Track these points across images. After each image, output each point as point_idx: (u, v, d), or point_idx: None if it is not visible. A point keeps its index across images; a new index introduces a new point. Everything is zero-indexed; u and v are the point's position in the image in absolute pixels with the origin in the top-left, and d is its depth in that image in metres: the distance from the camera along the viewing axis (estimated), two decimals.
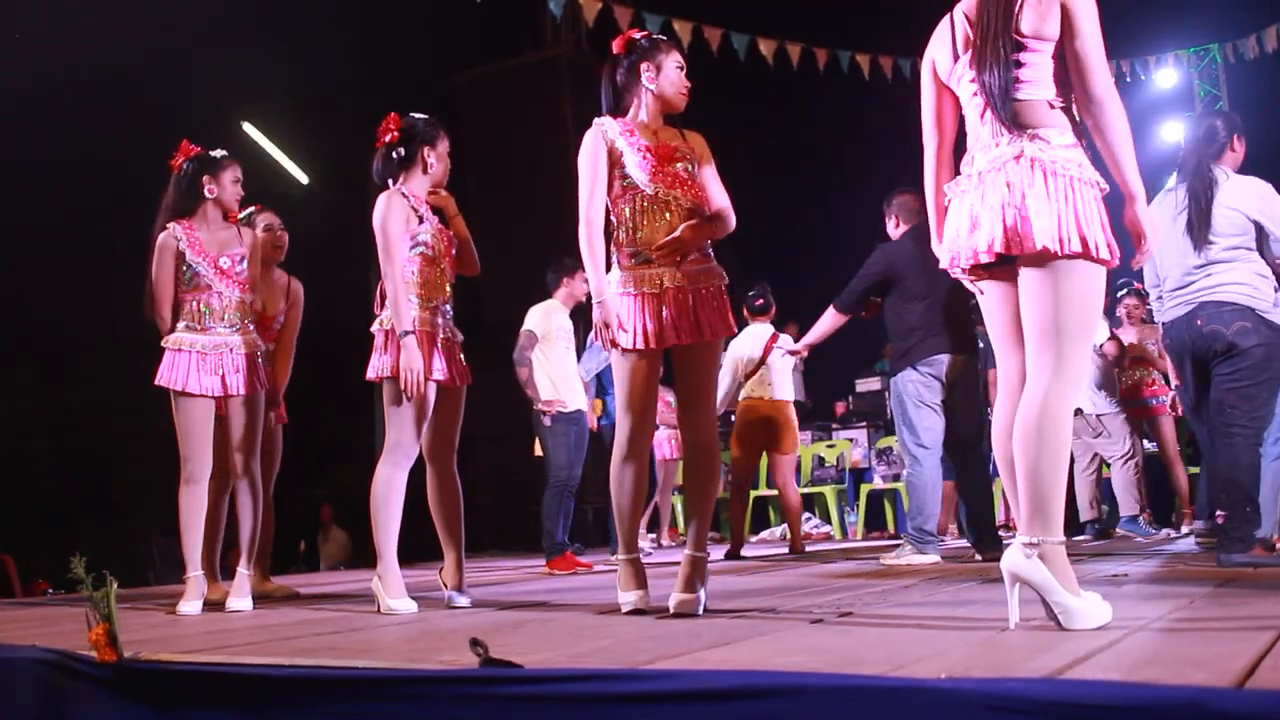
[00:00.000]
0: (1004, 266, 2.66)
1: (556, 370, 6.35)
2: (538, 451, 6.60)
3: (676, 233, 3.28)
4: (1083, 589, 2.48)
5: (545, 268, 6.69)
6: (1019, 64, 2.61)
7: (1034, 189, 2.54)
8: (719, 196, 3.42)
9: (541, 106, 11.19)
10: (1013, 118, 2.61)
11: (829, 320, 5.85)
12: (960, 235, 2.69)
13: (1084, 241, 2.49)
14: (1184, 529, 7.52)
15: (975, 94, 2.70)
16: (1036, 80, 2.61)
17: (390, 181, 3.89)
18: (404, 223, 3.81)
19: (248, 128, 9.79)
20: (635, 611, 3.22)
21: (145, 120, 7.33)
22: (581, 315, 7.09)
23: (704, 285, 3.30)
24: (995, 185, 2.61)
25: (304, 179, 10.33)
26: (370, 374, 3.82)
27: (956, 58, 2.76)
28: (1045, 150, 2.56)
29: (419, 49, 10.39)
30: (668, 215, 3.31)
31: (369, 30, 9.82)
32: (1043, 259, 2.54)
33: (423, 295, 3.82)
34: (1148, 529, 6.98)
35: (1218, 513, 4.26)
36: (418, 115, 3.99)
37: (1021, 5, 2.60)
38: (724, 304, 3.33)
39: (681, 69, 3.45)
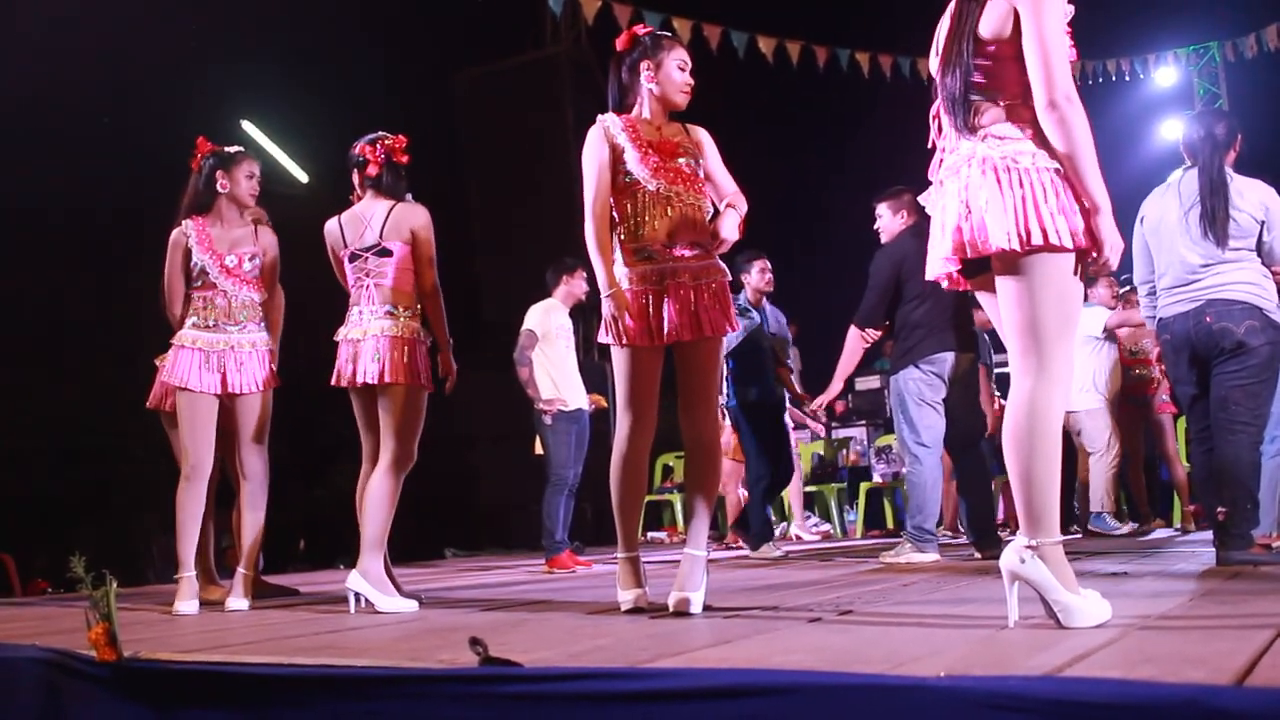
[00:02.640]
0: (986, 273, 2.65)
1: (557, 369, 6.35)
2: (538, 450, 6.59)
3: (722, 234, 3.33)
4: (1082, 587, 2.48)
5: (545, 266, 6.69)
6: (979, 67, 2.59)
7: (987, 189, 2.51)
8: (727, 184, 3.45)
9: (541, 105, 11.18)
10: (968, 120, 2.60)
11: (854, 342, 5.74)
12: (934, 245, 2.68)
13: (1044, 233, 2.45)
14: (1182, 527, 7.55)
15: (939, 95, 2.70)
16: (996, 83, 2.58)
17: (407, 196, 4.07)
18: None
19: (247, 126, 9.78)
20: (634, 610, 3.22)
21: (146, 119, 7.33)
22: (581, 314, 7.09)
23: (705, 281, 3.29)
24: (953, 191, 2.61)
25: (304, 178, 10.33)
26: (393, 377, 3.86)
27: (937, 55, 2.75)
28: (997, 147, 2.53)
29: (419, 47, 10.38)
30: (669, 211, 3.30)
31: (369, 28, 9.81)
32: (1009, 259, 2.51)
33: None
34: (1115, 524, 7.03)
35: (1218, 510, 4.26)
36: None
37: (983, 8, 2.59)
38: (726, 301, 3.32)
39: (684, 68, 3.43)
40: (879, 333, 5.71)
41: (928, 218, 2.78)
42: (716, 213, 3.41)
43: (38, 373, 8.32)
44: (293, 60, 8.98)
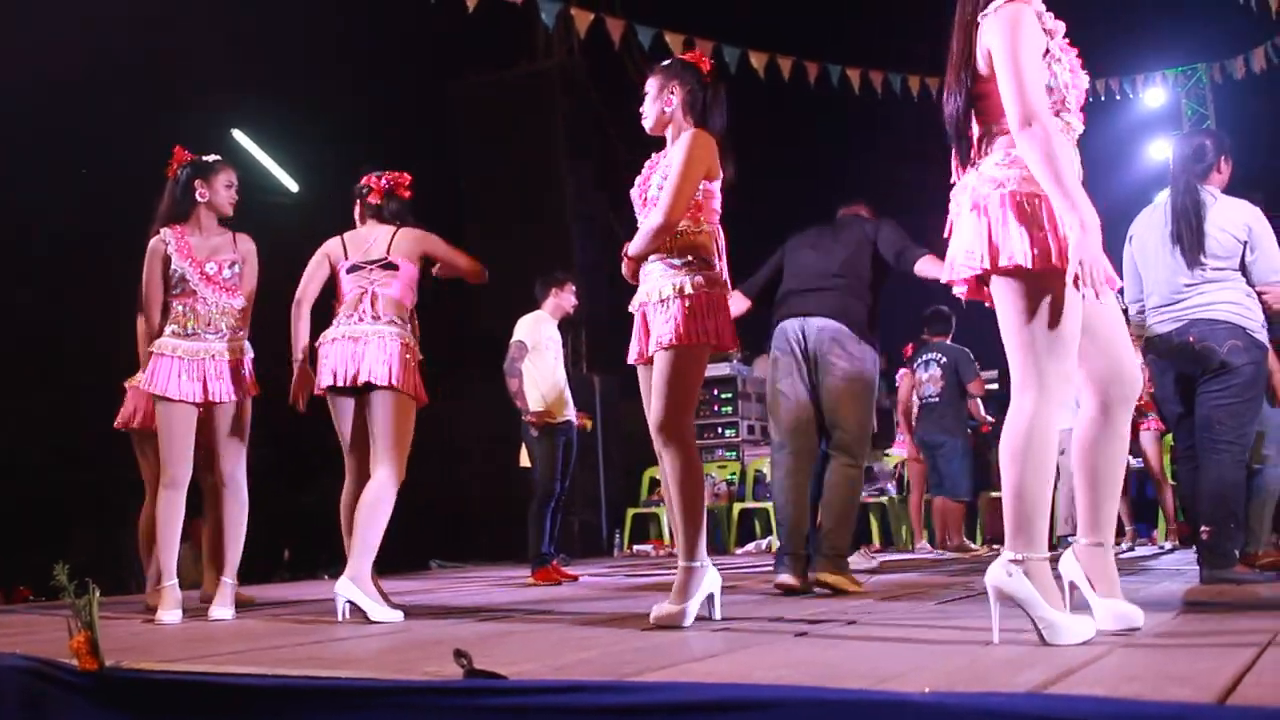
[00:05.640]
0: None
1: (546, 381, 6.34)
2: (524, 462, 6.58)
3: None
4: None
5: (536, 278, 6.70)
6: (976, 96, 2.68)
7: (963, 216, 2.63)
8: (664, 189, 3.33)
9: (533, 117, 11.19)
10: (965, 149, 2.70)
11: None
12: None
13: (995, 257, 2.53)
14: (1168, 544, 7.58)
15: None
16: (991, 113, 2.66)
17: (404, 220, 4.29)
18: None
19: (237, 135, 9.78)
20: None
21: (137, 124, 7.31)
22: (569, 327, 7.07)
23: (657, 300, 3.34)
24: (951, 219, 2.74)
25: (294, 187, 10.32)
26: (401, 384, 3.99)
27: None
28: (981, 173, 2.63)
29: (409, 59, 10.38)
30: None
31: (360, 38, 9.82)
32: (993, 281, 2.59)
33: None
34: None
35: (1202, 528, 4.28)
36: None
37: (977, 39, 2.67)
38: (669, 315, 3.28)
39: (644, 95, 3.54)
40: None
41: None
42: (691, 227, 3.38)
43: (22, 378, 8.28)
44: (283, 69, 8.98)
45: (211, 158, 4.37)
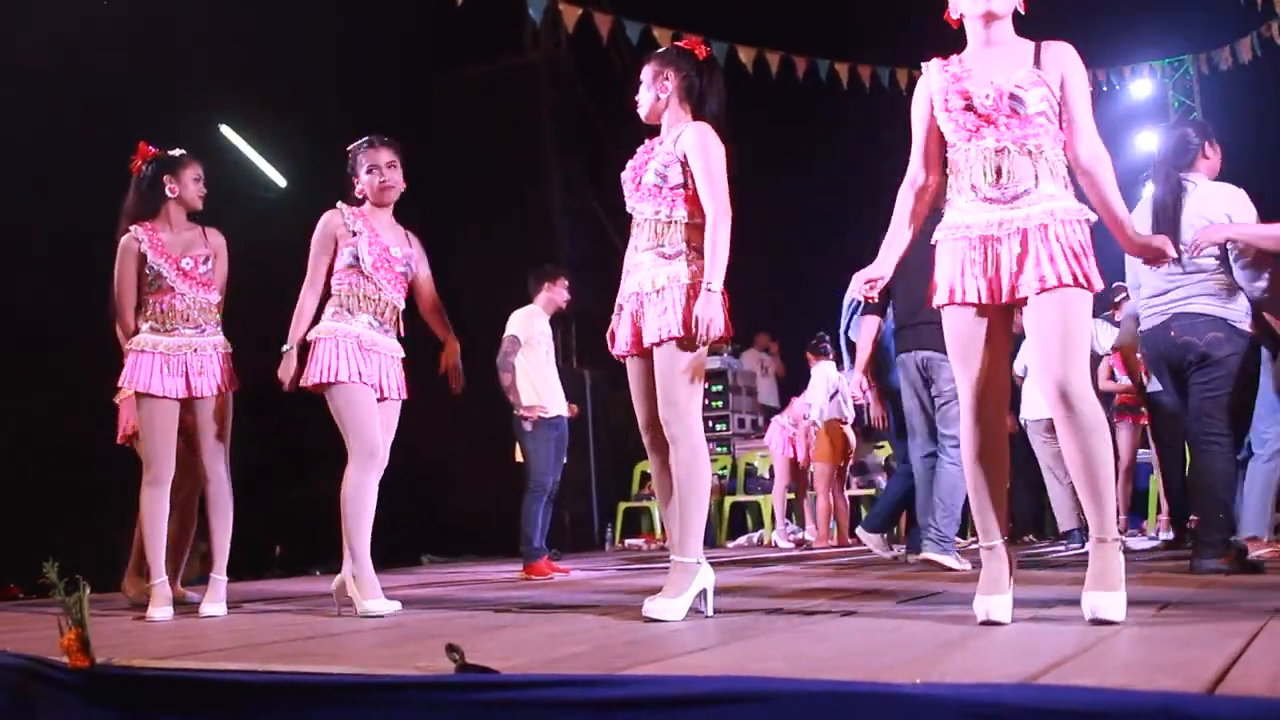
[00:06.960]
0: None
1: (538, 375, 6.34)
2: (518, 457, 6.58)
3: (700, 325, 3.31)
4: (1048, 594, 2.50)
5: (524, 272, 6.69)
6: None
7: None
8: (705, 199, 3.26)
9: (520, 111, 11.17)
10: None
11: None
12: None
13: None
14: (1160, 535, 7.59)
15: None
16: None
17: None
18: (331, 237, 4.00)
19: (225, 129, 9.74)
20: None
21: (122, 122, 7.28)
22: (560, 321, 7.06)
23: (649, 291, 3.29)
24: None
25: (281, 181, 10.29)
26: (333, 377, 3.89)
27: None
28: None
29: (398, 51, 10.35)
30: (633, 228, 3.41)
31: (348, 32, 9.78)
32: None
33: (346, 306, 3.97)
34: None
35: (1190, 518, 4.30)
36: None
37: None
38: (659, 309, 3.24)
39: (640, 84, 3.50)
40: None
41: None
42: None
43: (11, 373, 8.25)
44: (270, 64, 8.94)
45: (177, 152, 4.33)
